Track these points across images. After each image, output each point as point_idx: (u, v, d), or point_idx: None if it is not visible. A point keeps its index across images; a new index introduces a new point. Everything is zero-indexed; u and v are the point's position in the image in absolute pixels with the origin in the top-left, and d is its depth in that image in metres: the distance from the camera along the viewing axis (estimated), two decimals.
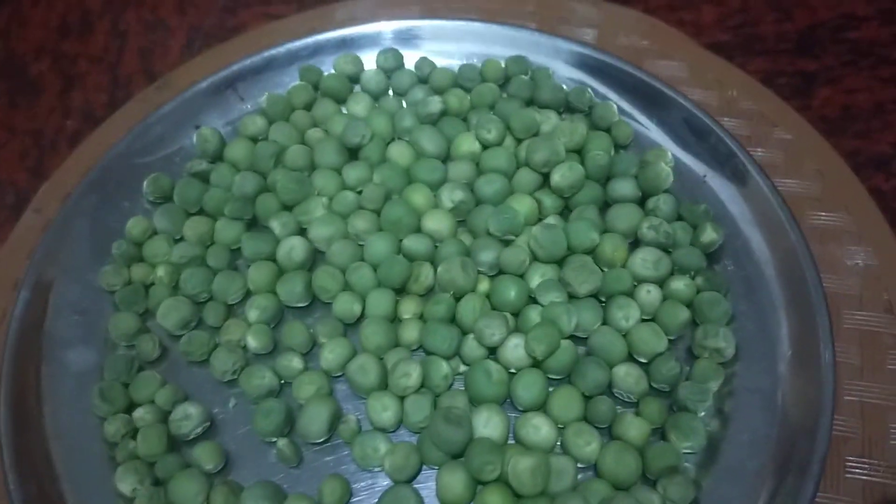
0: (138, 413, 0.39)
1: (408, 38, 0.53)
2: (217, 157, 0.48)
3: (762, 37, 0.60)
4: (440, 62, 0.52)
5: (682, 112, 0.47)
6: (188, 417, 0.39)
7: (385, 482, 0.38)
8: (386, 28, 0.53)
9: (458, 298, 0.41)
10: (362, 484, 0.38)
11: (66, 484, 0.38)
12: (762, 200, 0.44)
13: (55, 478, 0.38)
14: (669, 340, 0.40)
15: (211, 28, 0.65)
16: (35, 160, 0.56)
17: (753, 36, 0.60)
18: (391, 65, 0.51)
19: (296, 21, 0.57)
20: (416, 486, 0.37)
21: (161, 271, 0.43)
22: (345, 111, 0.50)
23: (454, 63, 0.52)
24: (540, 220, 0.44)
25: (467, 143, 0.47)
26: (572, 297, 0.41)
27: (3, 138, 0.58)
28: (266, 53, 0.51)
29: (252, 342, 0.41)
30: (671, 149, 0.47)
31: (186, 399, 0.40)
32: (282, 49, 0.52)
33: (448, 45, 0.52)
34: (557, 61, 0.51)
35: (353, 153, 0.48)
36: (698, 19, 0.61)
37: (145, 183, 0.46)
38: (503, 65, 0.51)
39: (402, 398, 0.39)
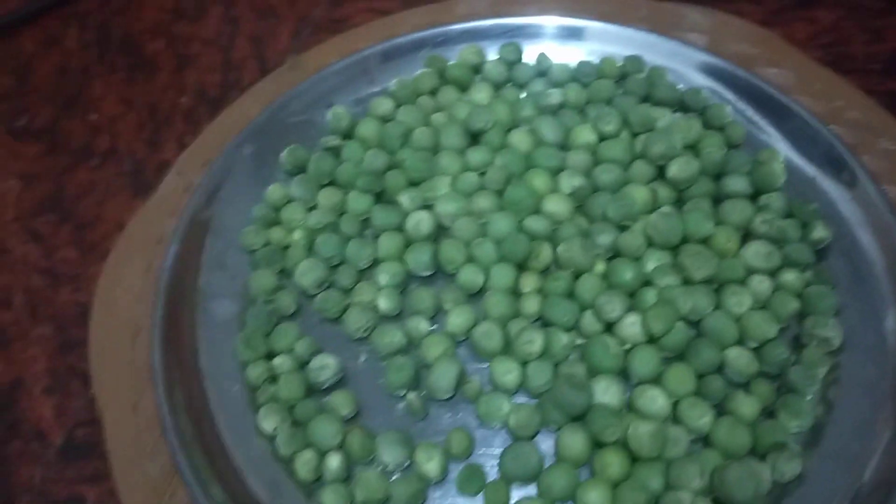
0: (278, 360, 0.42)
1: (528, 34, 0.55)
2: (348, 135, 0.51)
3: (853, 56, 0.61)
4: (558, 59, 0.54)
5: (793, 117, 0.49)
6: (325, 367, 0.41)
7: (502, 440, 0.40)
8: (507, 23, 0.55)
9: (576, 276, 0.44)
10: (482, 440, 0.41)
11: (214, 419, 0.41)
12: (870, 203, 0.46)
13: (211, 414, 0.41)
14: (779, 328, 0.42)
15: (318, 19, 0.67)
16: (150, 132, 0.59)
17: (844, 54, 0.61)
18: (512, 57, 0.54)
19: (418, 14, 0.60)
20: (535, 443, 0.40)
21: (298, 235, 0.47)
22: (467, 99, 0.53)
23: (572, 61, 0.54)
24: (654, 209, 0.47)
25: (586, 134, 0.49)
26: (686, 281, 0.43)
27: (120, 111, 0.61)
28: (395, 41, 0.55)
29: (384, 303, 0.44)
30: (782, 150, 0.49)
31: (322, 351, 0.43)
32: (409, 38, 0.55)
33: (566, 43, 0.55)
34: (672, 63, 0.53)
35: (475, 138, 0.50)
36: (790, 36, 0.62)
37: (284, 154, 0.50)
38: (620, 63, 0.53)
39: (524, 363, 0.41)
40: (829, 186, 0.47)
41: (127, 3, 0.70)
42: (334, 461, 0.38)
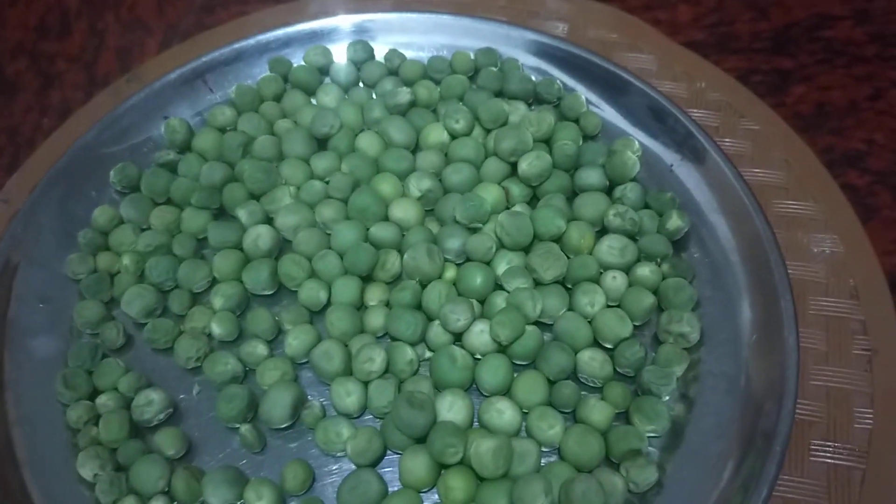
0: (101, 399, 0.39)
1: (378, 30, 0.53)
2: (185, 148, 0.48)
3: (738, 35, 0.60)
4: (410, 55, 0.52)
5: (648, 101, 0.48)
6: (150, 403, 0.38)
7: (348, 467, 0.38)
8: (356, 20, 0.53)
9: (424, 285, 0.41)
10: (325, 469, 0.38)
11: (27, 469, 0.37)
12: (728, 188, 0.44)
13: (17, 463, 0.38)
14: (635, 326, 0.41)
15: (188, 27, 0.65)
16: (11, 157, 0.56)
17: (729, 34, 0.60)
18: (361, 56, 0.51)
19: (267, 15, 0.57)
20: (379, 470, 0.37)
21: (126, 260, 0.43)
22: (314, 102, 0.50)
23: (424, 56, 0.52)
24: (507, 208, 0.44)
25: (436, 133, 0.47)
26: (538, 283, 0.41)
27: None
28: (236, 45, 0.51)
29: (216, 329, 0.41)
30: (639, 138, 0.47)
31: (150, 386, 0.40)
32: (251, 41, 0.52)
33: (418, 38, 0.53)
34: (527, 54, 0.51)
35: (321, 144, 0.48)
36: (674, 18, 0.62)
37: (113, 172, 0.46)
38: (472, 57, 0.51)
39: (365, 383, 0.39)
40: (688, 174, 0.46)
41: None
42: None
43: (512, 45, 0.51)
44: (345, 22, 0.53)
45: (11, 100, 0.60)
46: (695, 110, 0.49)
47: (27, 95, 0.61)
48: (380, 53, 0.52)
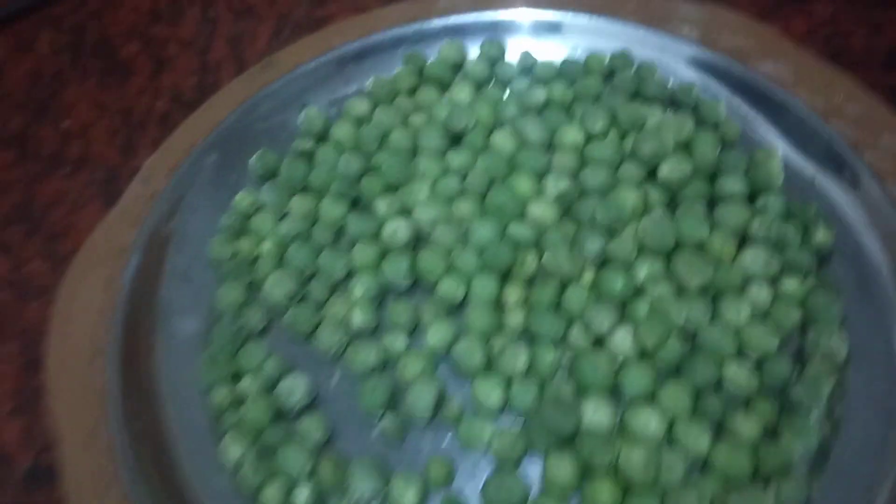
0: (244, 382, 0.39)
1: (510, 29, 0.53)
2: (322, 137, 0.48)
3: (852, 49, 0.59)
4: (543, 56, 0.51)
5: (791, 113, 0.47)
6: (294, 389, 0.39)
7: (487, 464, 0.38)
8: (489, 18, 0.53)
9: (564, 286, 0.41)
10: (464, 466, 0.38)
11: (175, 448, 0.38)
12: (874, 203, 0.43)
13: (164, 444, 0.38)
14: (780, 340, 0.40)
15: (299, 18, 0.65)
16: (125, 138, 0.57)
17: (843, 48, 0.59)
18: (495, 54, 0.51)
19: (398, 10, 0.57)
20: (520, 469, 0.37)
21: (268, 245, 0.44)
22: (447, 98, 0.50)
23: (557, 58, 0.51)
24: (645, 213, 0.44)
25: (572, 134, 0.46)
26: (681, 290, 0.40)
27: (93, 117, 0.59)
28: (371, 39, 0.52)
29: (357, 318, 0.41)
30: (780, 149, 0.46)
31: (292, 371, 0.40)
32: (386, 35, 0.52)
33: (551, 39, 0.52)
34: (663, 57, 0.50)
35: (456, 139, 0.48)
36: (787, 30, 0.60)
37: (253, 158, 0.47)
38: (607, 59, 0.50)
39: (508, 381, 0.39)
40: (830, 186, 0.45)
41: (102, 5, 0.68)
42: (303, 494, 0.36)
43: (647, 48, 0.51)
44: (477, 19, 0.53)
45: (125, 82, 0.61)
46: (833, 122, 0.48)
47: (140, 78, 0.62)
48: (511, 55, 0.52)
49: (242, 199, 0.45)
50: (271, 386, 0.39)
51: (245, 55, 0.62)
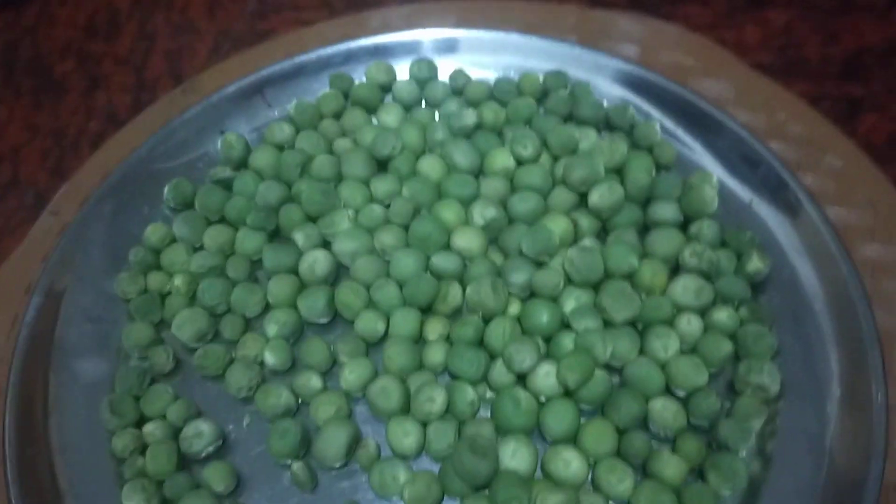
0: (148, 428, 0.37)
1: (442, 48, 0.51)
2: (241, 165, 0.47)
3: (807, 59, 0.57)
4: (475, 74, 0.50)
5: (729, 134, 0.45)
6: (200, 435, 0.37)
7: None
8: (420, 37, 0.51)
9: (487, 321, 0.39)
10: None
11: (70, 500, 0.36)
12: (812, 230, 0.42)
13: (60, 493, 0.36)
14: (710, 374, 0.38)
15: (240, 33, 0.63)
16: (56, 161, 0.55)
17: (798, 58, 0.57)
18: (424, 75, 0.49)
19: (328, 28, 0.55)
20: None
21: (178, 280, 0.42)
22: (375, 122, 0.48)
23: (490, 76, 0.50)
24: (575, 241, 0.42)
25: (502, 159, 0.45)
26: (608, 324, 0.39)
27: (25, 138, 0.57)
28: (296, 59, 0.50)
29: (270, 358, 0.39)
30: (716, 172, 0.45)
31: (199, 415, 0.38)
32: (312, 55, 0.50)
33: (484, 57, 0.51)
34: (598, 77, 0.49)
35: (382, 165, 0.46)
36: (741, 39, 0.59)
37: (167, 188, 0.45)
38: (541, 79, 0.49)
39: (424, 424, 0.37)
40: (767, 212, 0.43)
41: (37, 21, 0.65)
42: None
43: (583, 67, 0.49)
44: (407, 38, 0.51)
45: (59, 101, 0.59)
46: (774, 143, 0.47)
47: (74, 97, 0.60)
48: (443, 72, 0.50)
49: (153, 232, 0.43)
50: (176, 432, 0.37)
51: (182, 71, 0.60)
